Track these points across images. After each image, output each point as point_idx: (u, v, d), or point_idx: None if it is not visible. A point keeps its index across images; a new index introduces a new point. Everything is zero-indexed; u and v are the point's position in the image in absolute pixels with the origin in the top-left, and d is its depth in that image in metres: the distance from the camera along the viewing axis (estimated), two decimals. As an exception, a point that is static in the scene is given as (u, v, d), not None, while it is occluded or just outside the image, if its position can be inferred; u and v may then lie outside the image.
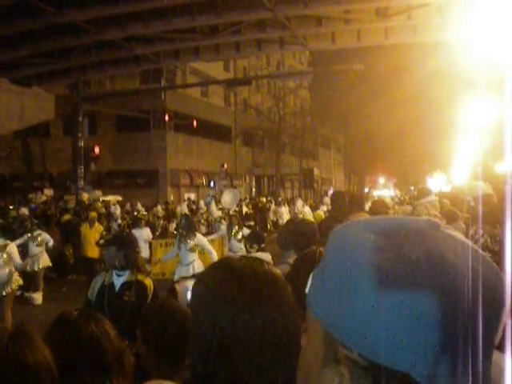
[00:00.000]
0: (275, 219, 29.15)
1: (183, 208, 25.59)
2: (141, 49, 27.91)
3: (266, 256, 8.04)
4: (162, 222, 25.93)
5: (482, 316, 0.82)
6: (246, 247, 10.04)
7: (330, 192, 42.38)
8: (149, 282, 5.84)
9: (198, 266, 12.03)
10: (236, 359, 1.51)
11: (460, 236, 0.91)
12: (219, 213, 20.12)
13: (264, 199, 38.30)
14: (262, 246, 9.66)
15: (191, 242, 12.23)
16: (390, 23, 25.20)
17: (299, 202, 27.38)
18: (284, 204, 30.01)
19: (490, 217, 8.15)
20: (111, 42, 26.60)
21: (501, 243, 7.94)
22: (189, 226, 12.61)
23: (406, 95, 53.66)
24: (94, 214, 18.14)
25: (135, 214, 24.37)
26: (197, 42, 27.97)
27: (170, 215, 27.13)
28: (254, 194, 56.10)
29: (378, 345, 0.82)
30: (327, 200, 27.25)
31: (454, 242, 0.88)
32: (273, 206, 32.16)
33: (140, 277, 5.83)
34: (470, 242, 0.90)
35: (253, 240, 9.99)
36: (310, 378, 0.95)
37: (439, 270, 0.83)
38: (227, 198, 20.06)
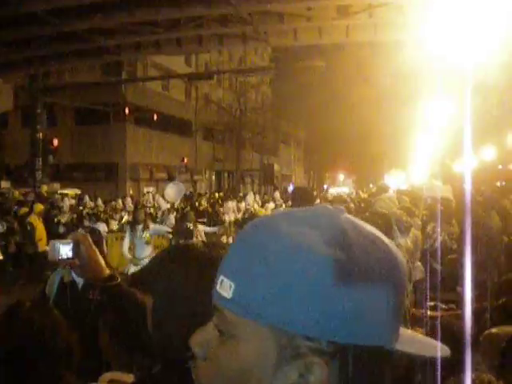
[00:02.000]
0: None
1: (128, 202, 25.24)
2: (102, 41, 27.65)
3: None
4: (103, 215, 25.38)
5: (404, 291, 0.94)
6: (170, 241, 9.92)
7: (290, 188, 42.53)
8: None
9: None
10: None
11: (363, 223, 0.98)
12: (167, 206, 19.85)
13: (217, 194, 38.06)
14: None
15: (145, 234, 12.05)
16: (352, 21, 25.36)
17: (250, 198, 27.15)
18: (233, 199, 29.34)
19: (447, 215, 8.28)
20: (72, 33, 26.30)
21: (458, 241, 8.08)
22: (140, 218, 12.42)
23: (367, 94, 53.99)
24: (40, 207, 17.98)
25: (81, 208, 24.12)
26: (158, 36, 27.82)
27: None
28: (213, 188, 56.02)
29: (350, 329, 0.87)
30: (277, 196, 27.09)
31: (364, 229, 0.96)
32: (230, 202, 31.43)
33: None
34: (372, 228, 0.97)
35: (180, 236, 9.84)
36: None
37: (387, 260, 0.92)
38: (171, 192, 19.66)
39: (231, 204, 25.64)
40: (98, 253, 2.51)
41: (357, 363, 0.88)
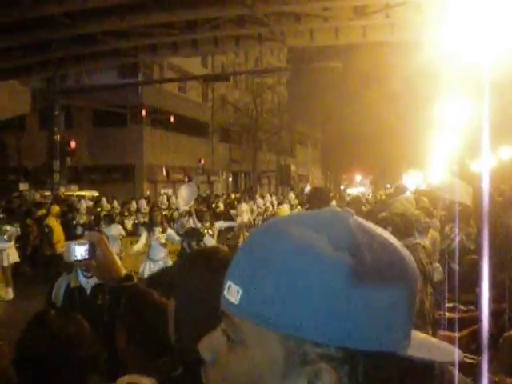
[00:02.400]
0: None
1: (142, 204, 25.20)
2: (118, 43, 27.75)
3: None
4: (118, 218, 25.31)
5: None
6: (182, 245, 9.95)
7: (307, 189, 42.46)
8: None
9: (168, 263, 11.84)
10: None
11: (372, 225, 0.96)
12: (186, 207, 19.82)
13: (233, 196, 37.94)
14: (201, 243, 9.60)
15: (162, 236, 12.09)
16: (369, 21, 25.26)
17: (260, 200, 26.88)
18: (246, 201, 29.05)
19: (465, 215, 8.22)
20: (89, 35, 26.41)
21: (476, 241, 8.01)
22: (157, 220, 12.44)
23: (384, 94, 53.87)
24: (56, 208, 18.04)
25: (98, 209, 24.11)
26: (175, 37, 27.86)
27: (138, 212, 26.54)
28: (230, 190, 56.09)
29: (361, 334, 0.85)
30: (292, 197, 26.88)
31: (375, 231, 0.94)
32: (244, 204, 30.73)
33: None
34: (382, 231, 0.96)
35: (190, 237, 9.89)
36: None
37: (398, 262, 0.90)
38: (184, 193, 19.60)
39: (245, 206, 25.53)
40: (114, 253, 2.49)
41: (367, 369, 0.86)
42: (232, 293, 0.91)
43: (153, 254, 12.15)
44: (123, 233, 16.82)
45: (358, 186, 59.30)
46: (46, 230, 16.96)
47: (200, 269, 1.69)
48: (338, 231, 0.89)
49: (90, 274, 5.45)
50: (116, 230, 16.36)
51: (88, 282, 5.49)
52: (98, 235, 2.52)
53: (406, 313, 0.89)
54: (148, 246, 12.36)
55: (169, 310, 1.78)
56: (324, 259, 0.85)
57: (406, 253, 0.93)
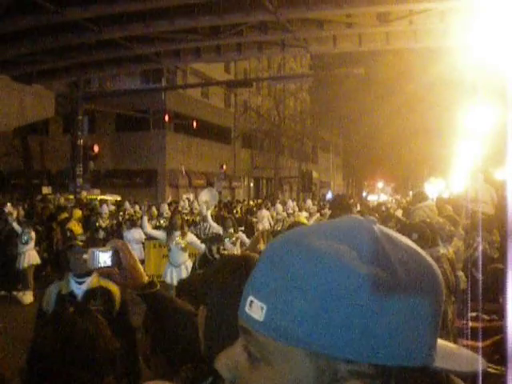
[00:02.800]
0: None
1: (164, 209, 25.12)
2: (142, 48, 27.88)
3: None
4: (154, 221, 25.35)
5: (430, 305, 0.87)
6: (205, 250, 10.01)
7: (328, 196, 42.36)
8: (114, 287, 5.35)
9: (190, 267, 11.70)
10: None
11: (394, 232, 0.93)
12: (208, 212, 19.81)
13: (252, 202, 37.72)
14: (221, 249, 9.74)
15: (183, 242, 12.02)
16: (392, 28, 25.20)
17: (281, 205, 26.66)
18: (267, 207, 28.69)
19: (488, 224, 8.15)
20: (112, 41, 26.57)
21: (499, 250, 7.94)
22: (177, 224, 12.29)
23: (407, 101, 53.65)
24: (78, 213, 18.15)
25: (121, 214, 24.17)
26: (198, 43, 27.95)
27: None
28: (252, 195, 56.10)
29: (391, 349, 0.83)
30: (309, 203, 26.62)
31: (398, 239, 0.91)
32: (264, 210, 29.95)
33: (103, 283, 5.37)
34: (407, 240, 0.93)
35: (212, 242, 10.02)
36: None
37: (425, 272, 0.88)
38: (205, 198, 19.64)
39: (265, 212, 25.38)
40: (137, 260, 2.50)
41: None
42: (255, 309, 0.87)
43: (174, 259, 12.14)
44: (144, 237, 16.79)
45: (379, 193, 58.98)
46: (68, 233, 17.06)
47: (231, 276, 1.69)
48: (363, 241, 0.86)
49: (81, 279, 5.42)
50: (137, 233, 16.42)
51: (80, 288, 5.44)
52: (122, 242, 2.53)
53: (434, 325, 0.87)
54: (168, 250, 12.41)
55: (199, 318, 1.78)
56: (350, 273, 0.83)
57: (432, 263, 0.90)
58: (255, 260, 1.71)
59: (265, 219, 24.00)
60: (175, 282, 11.29)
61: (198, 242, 12.17)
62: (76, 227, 17.21)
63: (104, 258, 2.38)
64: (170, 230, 12.46)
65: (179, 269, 11.86)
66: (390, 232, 0.92)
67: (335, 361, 0.83)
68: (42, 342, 2.52)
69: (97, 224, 21.31)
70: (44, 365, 2.48)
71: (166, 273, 12.12)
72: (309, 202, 27.31)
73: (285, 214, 24.36)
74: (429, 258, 0.91)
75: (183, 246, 12.02)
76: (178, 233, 12.09)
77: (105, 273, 2.56)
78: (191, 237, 12.30)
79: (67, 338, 2.53)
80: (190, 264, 11.88)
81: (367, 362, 0.83)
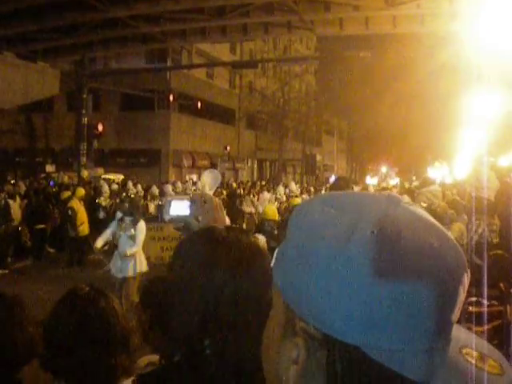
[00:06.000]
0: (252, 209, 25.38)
1: (167, 189, 24.94)
2: (147, 28, 27.82)
3: (262, 239, 7.99)
4: (142, 201, 24.98)
5: (435, 293, 0.82)
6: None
7: (332, 179, 42.31)
8: None
9: (141, 260, 10.78)
10: (222, 326, 1.55)
11: (421, 212, 0.90)
12: (211, 192, 19.72)
13: (234, 184, 36.87)
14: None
15: (131, 228, 10.68)
16: (399, 11, 25.09)
17: (284, 188, 26.58)
18: (269, 190, 28.47)
19: (489, 209, 8.15)
20: (118, 19, 26.52)
21: (499, 235, 7.95)
22: (133, 210, 10.99)
23: (413, 86, 53.51)
24: (81, 191, 18.13)
25: (123, 194, 24.16)
26: (204, 23, 27.87)
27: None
28: (255, 177, 56.12)
29: (329, 319, 0.84)
30: (293, 187, 26.57)
31: (413, 218, 0.87)
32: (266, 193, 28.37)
33: None
34: (430, 218, 0.89)
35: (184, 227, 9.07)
36: (272, 347, 1.00)
37: (392, 246, 0.83)
38: (208, 179, 19.53)
39: (267, 195, 25.35)
40: (225, 217, 2.49)
41: (345, 360, 0.86)
42: (273, 259, 0.97)
43: (120, 247, 10.79)
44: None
45: (384, 178, 58.89)
46: (70, 212, 17.09)
47: (194, 246, 1.71)
48: (378, 218, 0.86)
49: None
50: None
51: None
52: (201, 194, 2.49)
53: (436, 316, 0.83)
54: (118, 238, 10.86)
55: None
56: (352, 251, 0.84)
57: (453, 246, 0.87)
58: (219, 231, 1.73)
59: (266, 201, 23.98)
60: (122, 275, 10.40)
61: (140, 236, 10.91)
62: (78, 206, 17.21)
63: (181, 207, 2.37)
64: (120, 215, 11.07)
65: (126, 260, 10.54)
66: (417, 210, 0.90)
67: (295, 316, 0.90)
68: (57, 320, 2.54)
69: (97, 202, 21.36)
70: (59, 342, 2.50)
71: (115, 264, 10.69)
72: (292, 185, 27.24)
73: (284, 196, 24.39)
74: (452, 242, 0.88)
75: (131, 234, 10.68)
76: (129, 219, 10.80)
77: (180, 222, 2.53)
78: (141, 227, 10.93)
79: (82, 316, 2.55)
80: (141, 256, 10.88)
81: (312, 326, 0.87)
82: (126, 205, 11.15)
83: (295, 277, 0.88)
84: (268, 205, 11.19)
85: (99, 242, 10.94)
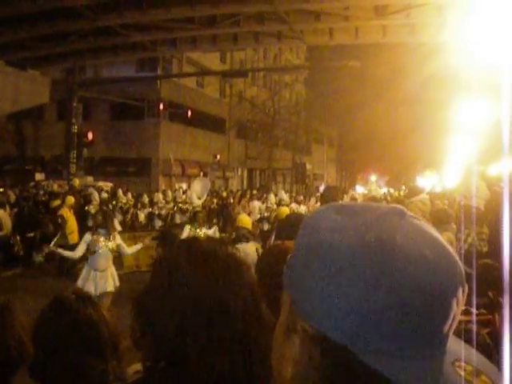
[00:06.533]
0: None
1: (158, 198, 24.55)
2: (138, 36, 27.82)
3: (251, 247, 7.99)
4: (132, 210, 24.95)
5: (425, 303, 0.85)
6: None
7: (322, 187, 42.37)
8: None
9: (114, 273, 10.46)
10: (199, 333, 1.58)
11: (425, 225, 0.93)
12: (199, 202, 19.71)
13: (224, 193, 37.03)
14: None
15: (110, 244, 10.24)
16: (389, 21, 25.21)
17: (273, 196, 26.66)
18: (259, 198, 28.50)
19: (478, 218, 8.17)
20: (109, 28, 26.52)
21: (488, 243, 7.98)
22: (107, 223, 10.44)
23: (402, 96, 53.75)
24: (71, 199, 18.07)
25: (114, 202, 24.11)
26: (195, 32, 27.92)
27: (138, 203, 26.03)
28: (245, 186, 56.09)
29: (325, 318, 0.88)
30: (284, 196, 26.64)
31: (413, 230, 0.90)
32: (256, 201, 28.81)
33: None
34: (433, 232, 0.92)
35: (162, 240, 8.70)
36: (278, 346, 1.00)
37: (386, 255, 0.86)
38: (197, 187, 19.79)
39: (257, 203, 25.38)
40: None
41: (334, 361, 0.89)
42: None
43: (96, 263, 10.35)
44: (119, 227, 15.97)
45: (373, 187, 58.95)
46: (59, 220, 17.03)
47: (177, 256, 1.74)
48: (379, 237, 0.89)
49: None
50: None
51: None
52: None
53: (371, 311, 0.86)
54: (92, 253, 10.33)
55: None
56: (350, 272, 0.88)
57: (443, 266, 0.88)
58: (196, 242, 1.77)
59: (256, 210, 24.01)
60: (102, 290, 10.01)
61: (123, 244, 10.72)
62: (67, 214, 17.15)
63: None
64: (95, 228, 10.51)
65: (103, 274, 10.14)
66: (420, 224, 0.93)
67: (296, 315, 0.94)
68: (45, 327, 2.54)
69: (86, 209, 21.30)
70: (46, 348, 2.50)
71: (84, 278, 10.14)
72: (283, 194, 27.28)
73: (275, 205, 24.44)
74: (447, 259, 0.90)
75: (110, 248, 10.25)
76: (103, 231, 10.30)
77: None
78: (119, 238, 10.66)
79: (70, 323, 2.55)
80: (114, 271, 10.50)
81: (307, 323, 0.91)
82: (100, 217, 10.65)
83: (299, 276, 0.92)
84: (242, 214, 11.26)
85: (78, 252, 10.47)
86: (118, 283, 10.46)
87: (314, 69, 49.37)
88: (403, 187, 50.76)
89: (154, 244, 10.38)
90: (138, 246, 11.46)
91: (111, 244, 10.23)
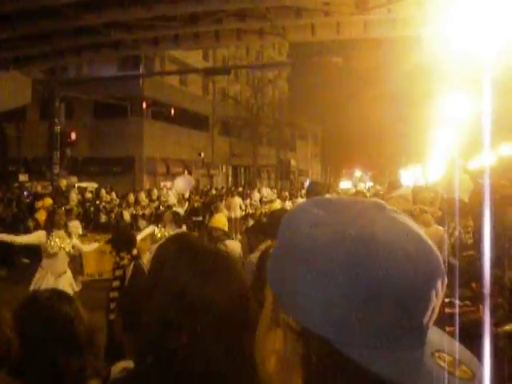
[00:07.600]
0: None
1: (142, 197, 24.44)
2: (120, 35, 27.68)
3: (236, 244, 8.01)
4: (117, 209, 24.78)
5: (404, 296, 0.86)
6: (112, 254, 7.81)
7: (307, 183, 42.45)
8: None
9: (70, 278, 9.96)
10: (185, 328, 1.60)
11: (404, 218, 0.94)
12: (175, 201, 19.79)
13: (214, 191, 37.31)
14: (134, 251, 7.54)
15: (66, 245, 9.73)
16: (370, 16, 25.21)
17: (257, 193, 26.81)
18: (242, 195, 28.44)
19: (463, 211, 8.22)
20: (90, 27, 26.36)
21: (473, 236, 8.03)
22: (58, 224, 9.90)
23: (385, 89, 53.81)
24: (49, 201, 17.98)
25: (97, 202, 24.03)
26: (176, 30, 27.80)
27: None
28: (230, 183, 56.09)
29: (307, 312, 0.89)
30: (268, 192, 26.76)
31: (393, 224, 0.91)
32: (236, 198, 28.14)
33: None
34: (413, 225, 0.93)
35: (119, 245, 7.74)
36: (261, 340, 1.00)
37: (366, 249, 0.87)
38: (180, 184, 20.06)
39: (237, 200, 25.45)
40: None
41: (317, 353, 0.90)
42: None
43: (54, 265, 9.85)
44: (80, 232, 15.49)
45: (357, 182, 59.12)
46: (33, 223, 16.92)
47: (166, 251, 1.76)
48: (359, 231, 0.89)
49: None
50: (73, 225, 13.71)
51: None
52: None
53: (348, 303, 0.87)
54: (47, 256, 9.78)
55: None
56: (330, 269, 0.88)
57: (419, 261, 0.88)
58: (186, 237, 1.80)
59: (237, 206, 24.10)
60: None
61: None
62: (43, 217, 16.99)
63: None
64: (49, 229, 9.88)
65: (63, 278, 9.68)
66: (399, 217, 0.94)
67: (279, 309, 0.94)
68: (19, 325, 2.53)
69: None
70: (23, 345, 2.49)
71: (42, 284, 9.46)
72: (268, 190, 27.40)
73: (258, 203, 24.57)
74: (427, 251, 0.90)
75: (68, 250, 9.80)
76: (61, 232, 9.83)
77: None
78: (75, 240, 10.27)
79: (45, 320, 2.54)
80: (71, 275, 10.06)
81: (291, 317, 0.92)
82: (56, 218, 10.01)
83: (280, 270, 0.93)
84: (218, 215, 11.19)
85: (23, 239, 10.20)
86: (76, 288, 10.14)
87: (296, 65, 49.25)
88: (387, 181, 51.00)
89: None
90: (95, 245, 11.43)
91: (67, 245, 9.76)
